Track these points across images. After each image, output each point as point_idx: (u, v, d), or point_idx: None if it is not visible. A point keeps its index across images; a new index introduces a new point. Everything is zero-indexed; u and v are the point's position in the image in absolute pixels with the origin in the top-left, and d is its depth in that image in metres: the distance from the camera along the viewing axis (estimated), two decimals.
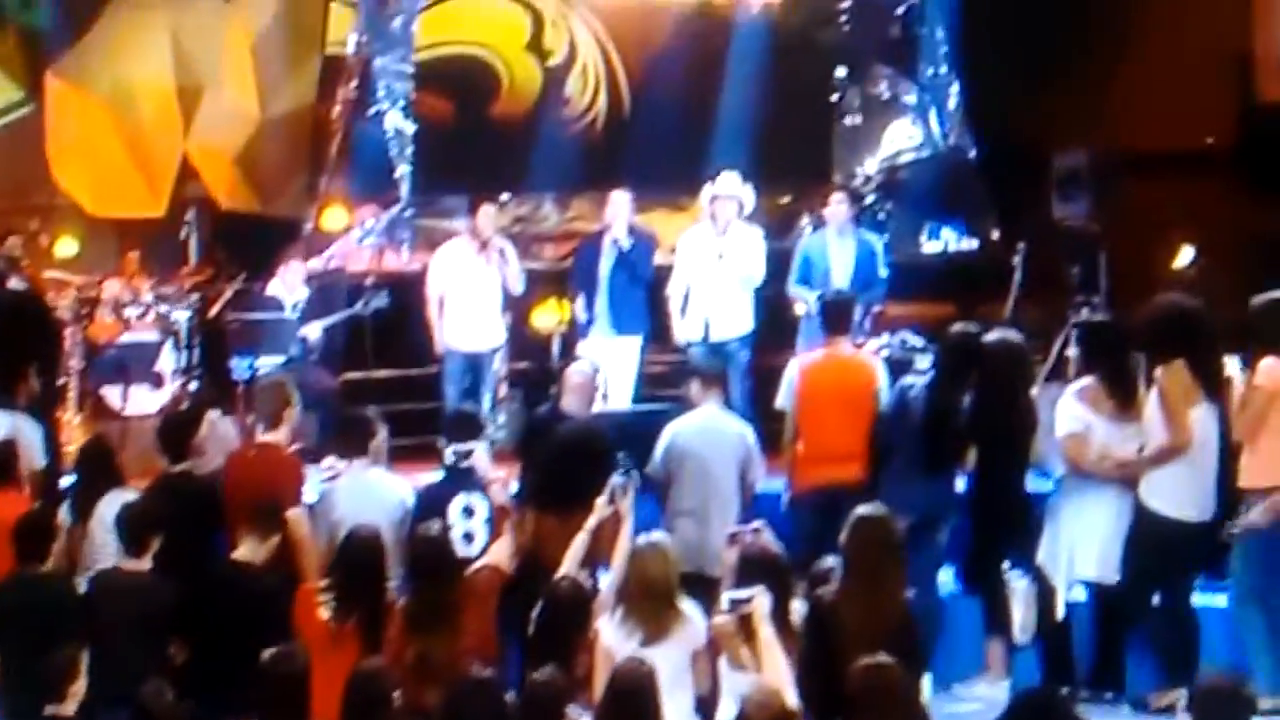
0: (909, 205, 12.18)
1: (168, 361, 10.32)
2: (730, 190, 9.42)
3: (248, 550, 6.71)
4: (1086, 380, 7.06)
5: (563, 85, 12.40)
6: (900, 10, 12.44)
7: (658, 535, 6.20)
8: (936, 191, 12.09)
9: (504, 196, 11.93)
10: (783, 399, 7.71)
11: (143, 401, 10.05)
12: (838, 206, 9.53)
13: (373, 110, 11.81)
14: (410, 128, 12.01)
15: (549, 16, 12.50)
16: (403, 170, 12.00)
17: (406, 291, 10.19)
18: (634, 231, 9.83)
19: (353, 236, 11.63)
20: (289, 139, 12.02)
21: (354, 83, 11.84)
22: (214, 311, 10.59)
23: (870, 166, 12.40)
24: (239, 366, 9.93)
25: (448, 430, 7.25)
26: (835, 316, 7.83)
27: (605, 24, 12.46)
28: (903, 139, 12.34)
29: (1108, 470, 6.94)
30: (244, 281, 10.78)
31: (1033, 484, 7.51)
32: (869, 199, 12.15)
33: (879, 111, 12.45)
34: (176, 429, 7.62)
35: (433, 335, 9.77)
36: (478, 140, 12.15)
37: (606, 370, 8.88)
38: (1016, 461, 7.35)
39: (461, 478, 7.11)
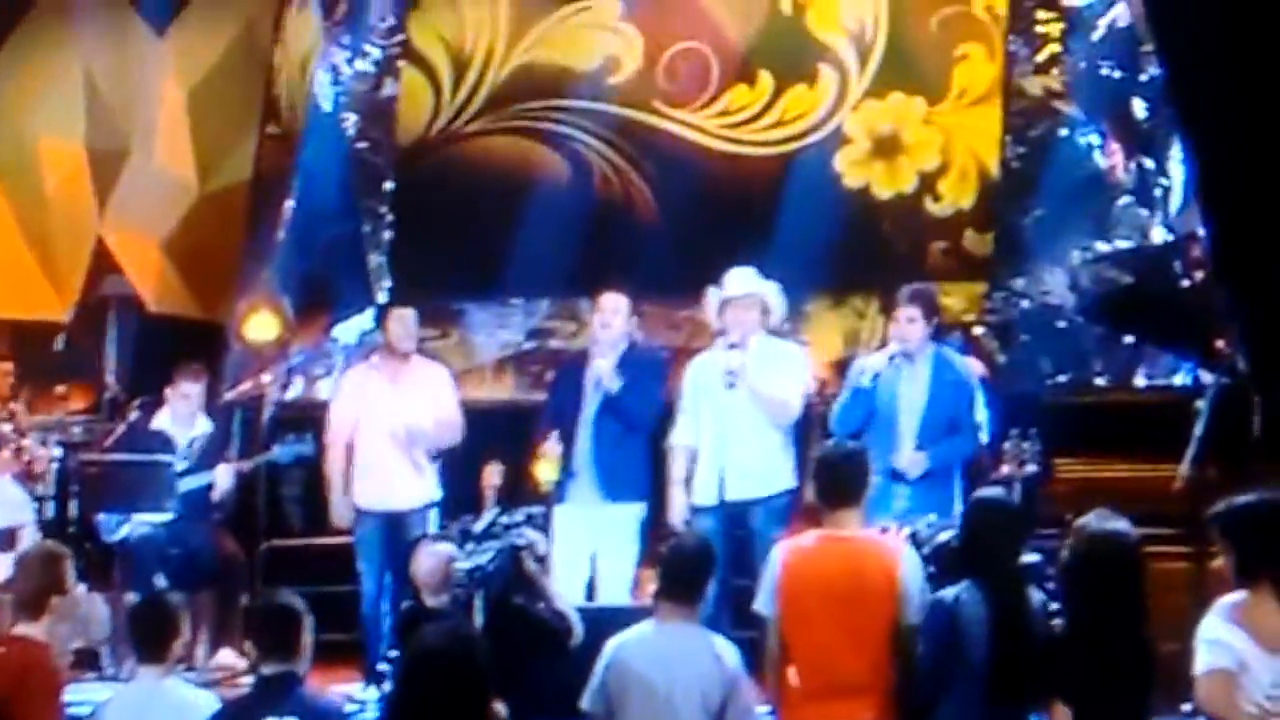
0: (1118, 321, 10.51)
1: (21, 513, 9.23)
2: (744, 289, 8.19)
3: None
4: (1241, 594, 5.66)
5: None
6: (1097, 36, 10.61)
7: None
8: (1160, 301, 10.37)
9: (515, 300, 10.84)
10: (762, 601, 6.48)
11: None
12: (908, 325, 7.92)
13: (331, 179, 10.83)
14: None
15: (599, 168, 11.02)
16: (377, 266, 11.01)
17: None
18: (634, 352, 8.47)
19: (294, 352, 10.56)
20: (232, 221, 11.07)
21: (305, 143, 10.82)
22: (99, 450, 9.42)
23: (1063, 265, 10.54)
24: (107, 524, 9.12)
25: (251, 630, 6.30)
26: (835, 481, 6.49)
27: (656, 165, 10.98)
28: (1109, 223, 10.56)
29: None
30: (143, 409, 9.50)
31: None
32: (1064, 314, 10.41)
33: (1073, 182, 10.60)
34: None
35: (330, 495, 8.81)
36: (484, 229, 10.78)
37: (595, 550, 8.17)
38: (1127, 716, 5.96)
39: (276, 692, 6.06)
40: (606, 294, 8.59)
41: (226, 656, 8.90)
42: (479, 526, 7.12)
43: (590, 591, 8.30)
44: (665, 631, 6.29)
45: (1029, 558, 6.53)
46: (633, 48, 11.11)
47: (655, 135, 11.00)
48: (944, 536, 6.78)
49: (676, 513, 8.17)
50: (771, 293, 8.26)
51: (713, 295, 8.27)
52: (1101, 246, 10.60)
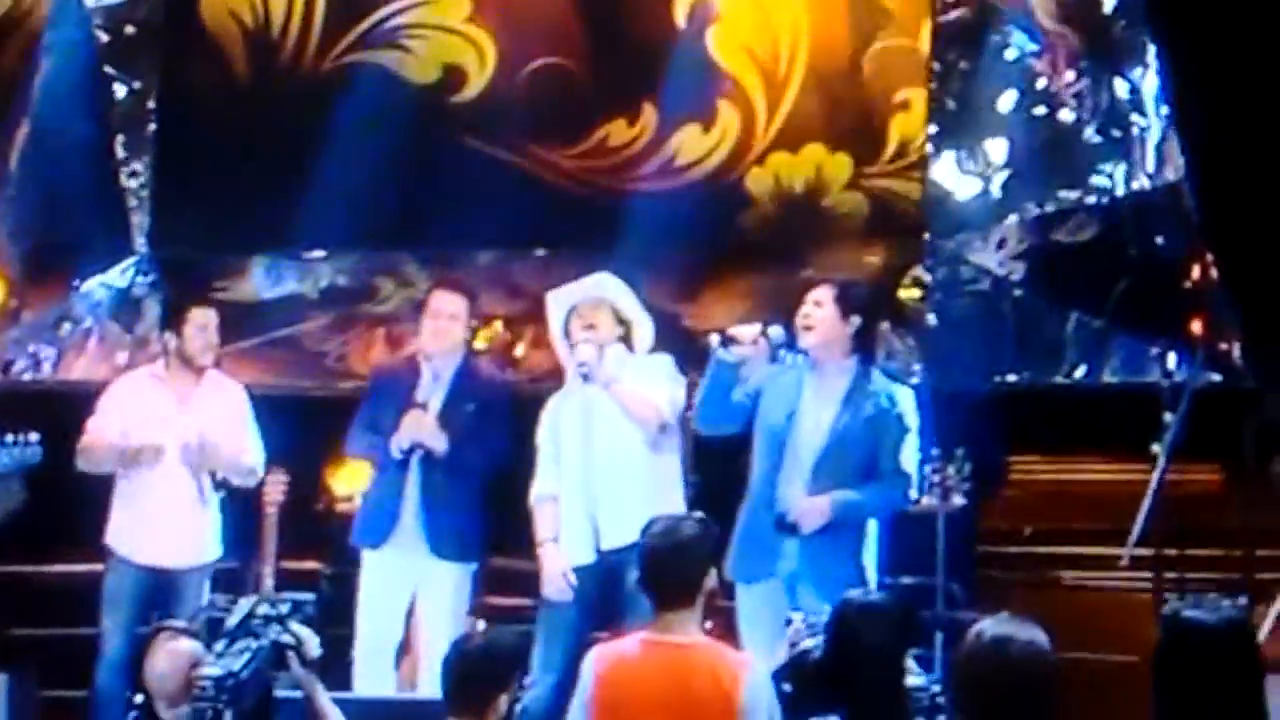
0: (1072, 293, 9.88)
1: None
2: (597, 293, 7.61)
3: None
4: None
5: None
6: None
7: None
8: (1128, 269, 9.73)
9: (317, 253, 9.86)
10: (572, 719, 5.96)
11: None
12: (816, 314, 7.10)
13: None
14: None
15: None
16: (136, 205, 10.07)
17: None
18: (471, 381, 7.88)
19: (26, 320, 9.81)
20: None
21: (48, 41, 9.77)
22: None
23: (1005, 226, 9.78)
24: None
25: None
26: (662, 574, 5.99)
27: None
28: (1071, 169, 9.96)
29: None
30: None
31: None
32: (1013, 284, 9.69)
33: (1020, 114, 9.83)
34: None
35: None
36: (278, 157, 9.79)
37: (414, 610, 7.75)
38: None
39: None
40: (440, 292, 7.92)
41: None
42: (233, 620, 6.21)
43: (398, 658, 7.81)
44: None
45: (915, 680, 5.82)
46: (483, 59, 9.78)
47: (502, 173, 9.75)
48: (808, 644, 5.97)
49: (552, 580, 7.48)
50: (625, 301, 7.67)
51: (554, 302, 7.63)
52: (1057, 198, 9.84)
